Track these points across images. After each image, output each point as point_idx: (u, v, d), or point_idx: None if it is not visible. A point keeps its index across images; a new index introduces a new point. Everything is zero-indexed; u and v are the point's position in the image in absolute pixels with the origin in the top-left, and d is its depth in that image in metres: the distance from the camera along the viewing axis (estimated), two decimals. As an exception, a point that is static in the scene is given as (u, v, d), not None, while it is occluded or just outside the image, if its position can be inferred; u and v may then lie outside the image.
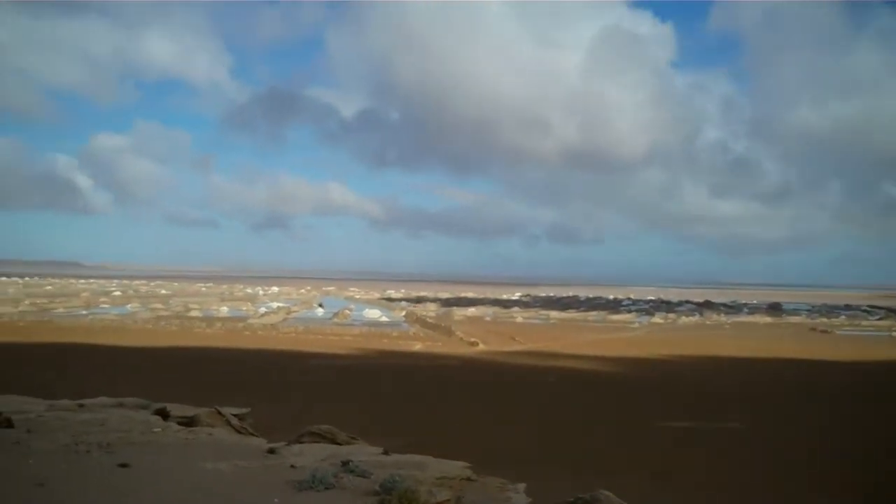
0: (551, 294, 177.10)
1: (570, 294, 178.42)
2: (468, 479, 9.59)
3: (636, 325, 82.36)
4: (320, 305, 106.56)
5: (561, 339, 58.19)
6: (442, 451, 12.00)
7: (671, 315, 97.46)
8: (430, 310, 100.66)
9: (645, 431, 24.51)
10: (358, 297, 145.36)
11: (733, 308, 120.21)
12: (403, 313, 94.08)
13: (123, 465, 9.14)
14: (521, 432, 24.08)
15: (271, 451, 10.79)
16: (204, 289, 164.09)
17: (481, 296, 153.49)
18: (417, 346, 51.70)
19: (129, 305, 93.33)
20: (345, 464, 9.64)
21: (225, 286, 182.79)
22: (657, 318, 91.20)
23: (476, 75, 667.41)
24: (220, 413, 13.75)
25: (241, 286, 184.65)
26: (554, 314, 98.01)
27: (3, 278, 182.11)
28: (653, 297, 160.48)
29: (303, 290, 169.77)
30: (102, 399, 14.53)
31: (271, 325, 68.41)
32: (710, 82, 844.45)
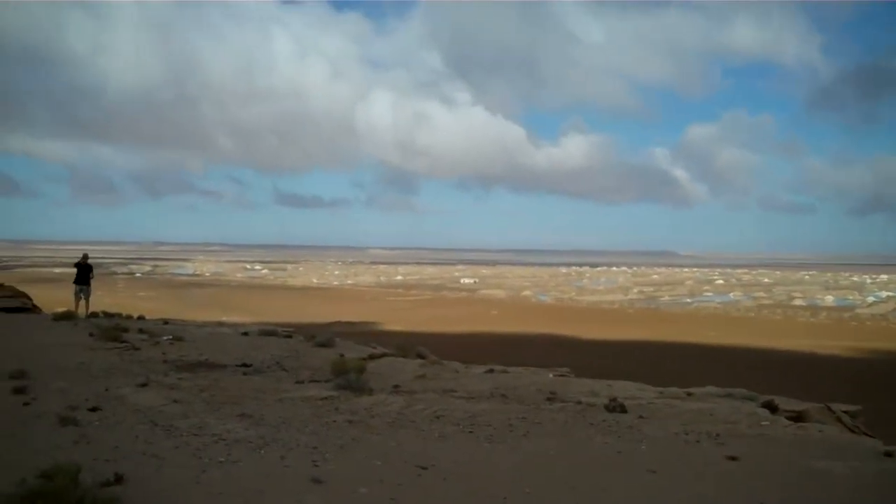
0: None
1: None
2: None
3: None
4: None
5: None
6: None
7: None
8: None
9: None
10: None
11: None
12: None
13: (732, 458, 9.33)
14: None
15: (888, 454, 9.92)
16: (807, 277, 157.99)
17: None
18: None
19: (732, 294, 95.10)
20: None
21: (828, 274, 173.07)
22: None
23: None
24: (830, 409, 13.15)
25: (846, 274, 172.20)
26: None
27: (613, 268, 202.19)
28: None
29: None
30: (710, 388, 15.06)
31: (880, 315, 62.98)
32: None
